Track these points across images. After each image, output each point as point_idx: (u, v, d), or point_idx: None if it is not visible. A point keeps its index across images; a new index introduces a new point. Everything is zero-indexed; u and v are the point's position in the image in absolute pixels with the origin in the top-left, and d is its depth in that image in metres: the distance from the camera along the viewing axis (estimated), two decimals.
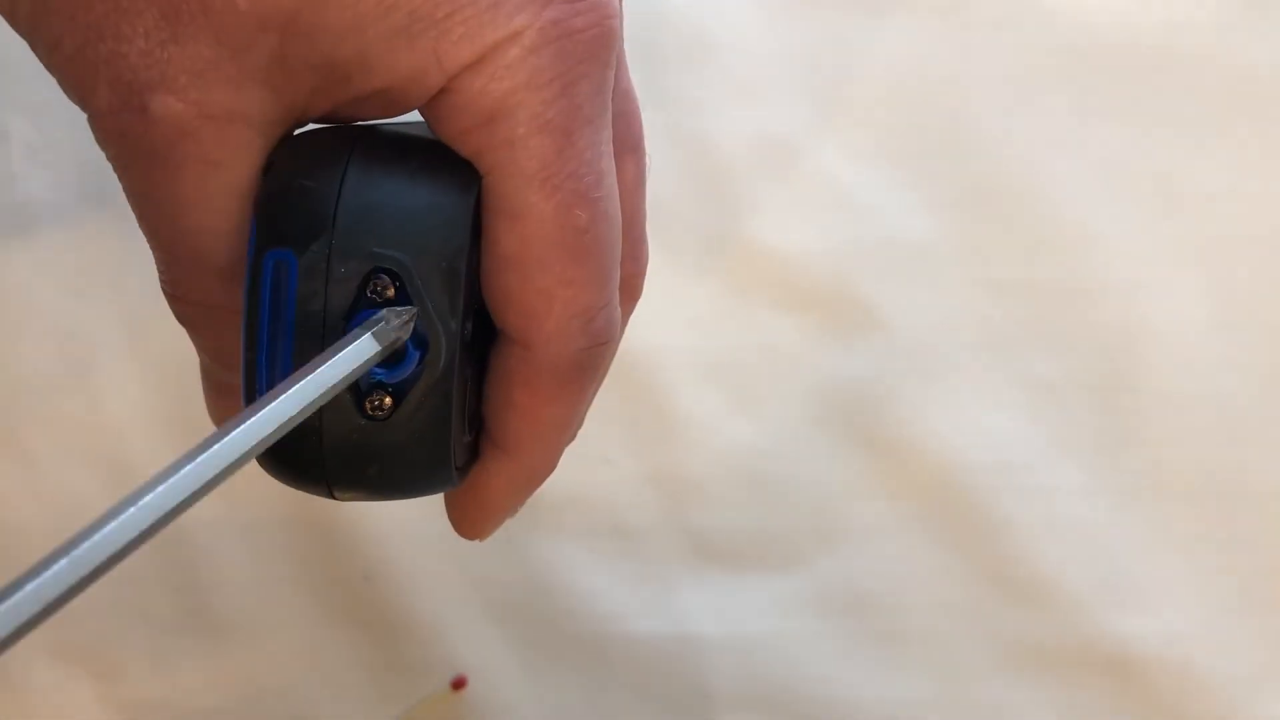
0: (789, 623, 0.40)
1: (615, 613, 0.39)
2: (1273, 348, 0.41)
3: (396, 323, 0.22)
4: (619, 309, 0.25)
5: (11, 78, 0.41)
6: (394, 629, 0.39)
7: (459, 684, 0.39)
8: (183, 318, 0.26)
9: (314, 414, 0.22)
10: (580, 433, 0.40)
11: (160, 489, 0.17)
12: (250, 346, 0.23)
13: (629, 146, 0.26)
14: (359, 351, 0.21)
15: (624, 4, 0.40)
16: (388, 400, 0.23)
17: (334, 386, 0.20)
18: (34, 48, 0.23)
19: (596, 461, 0.40)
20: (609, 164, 0.24)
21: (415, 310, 0.22)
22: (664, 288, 0.41)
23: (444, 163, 0.23)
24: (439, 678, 0.39)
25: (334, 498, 0.25)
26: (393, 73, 0.22)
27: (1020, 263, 0.41)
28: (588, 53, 0.23)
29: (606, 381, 0.40)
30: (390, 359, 0.23)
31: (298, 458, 0.24)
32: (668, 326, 0.41)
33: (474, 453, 0.27)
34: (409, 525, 0.40)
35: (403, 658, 0.39)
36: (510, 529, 0.40)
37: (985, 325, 0.41)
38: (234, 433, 0.18)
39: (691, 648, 0.39)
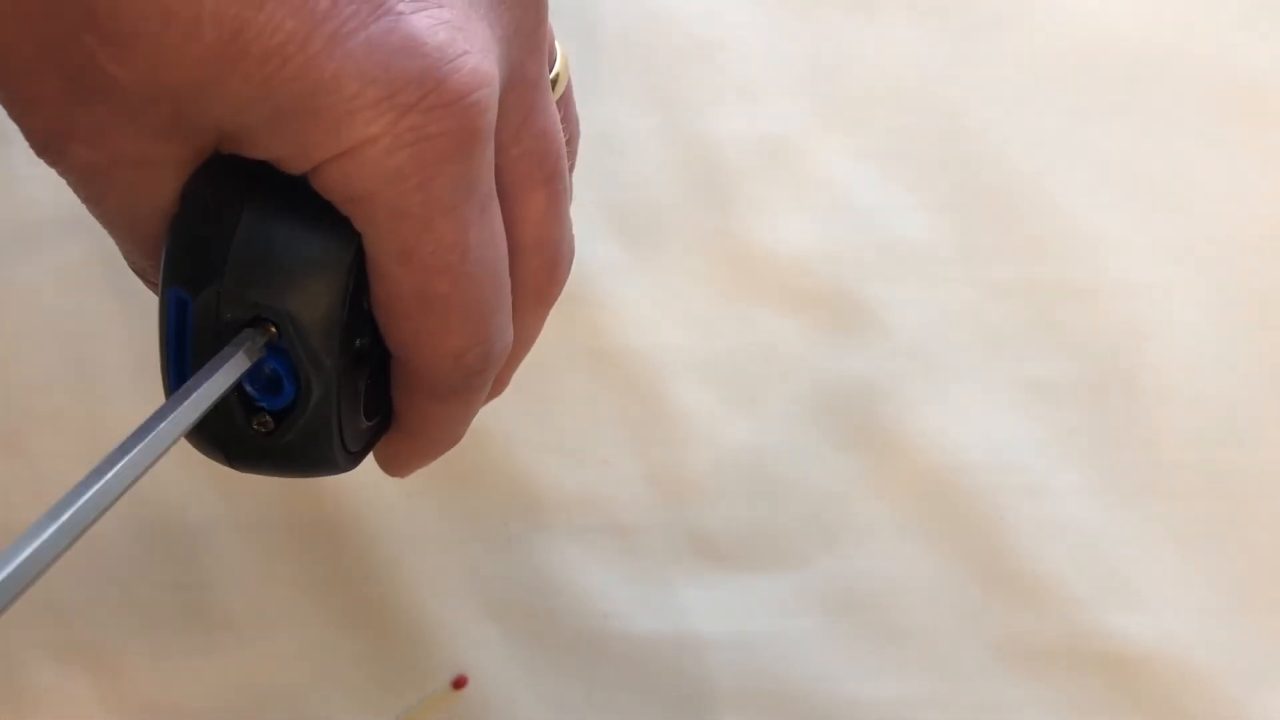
0: (789, 622, 0.40)
1: (615, 612, 0.40)
2: (1273, 348, 0.41)
3: (261, 340, 0.25)
4: (502, 337, 0.28)
5: None
6: (394, 629, 0.39)
7: (459, 683, 0.39)
8: (151, 288, 0.28)
9: (214, 417, 0.25)
10: (580, 432, 0.40)
11: (76, 502, 0.20)
12: (164, 368, 0.26)
13: (539, 181, 0.28)
14: (229, 364, 0.24)
15: (622, 6, 0.39)
16: (269, 419, 0.26)
17: (205, 399, 0.23)
18: None
19: (596, 461, 0.40)
20: (478, 234, 0.26)
21: (273, 329, 0.25)
22: (664, 288, 0.41)
23: (331, 215, 0.25)
24: (439, 677, 0.39)
25: (233, 469, 0.27)
26: (269, 151, 0.24)
27: (1020, 263, 0.41)
28: (446, 154, 0.24)
29: (606, 381, 0.41)
30: (269, 387, 0.26)
31: (202, 438, 0.27)
32: (668, 326, 0.41)
33: (385, 423, 0.29)
34: (409, 525, 0.40)
35: (403, 658, 0.39)
36: (510, 528, 0.40)
37: (984, 325, 0.41)
38: (139, 436, 0.22)
39: (691, 647, 0.39)
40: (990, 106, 0.42)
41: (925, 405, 0.40)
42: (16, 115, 0.25)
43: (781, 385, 0.41)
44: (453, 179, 0.25)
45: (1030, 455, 0.40)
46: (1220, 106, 0.42)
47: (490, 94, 0.25)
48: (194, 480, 0.39)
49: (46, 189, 0.41)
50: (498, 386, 0.32)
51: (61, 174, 0.26)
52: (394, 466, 0.31)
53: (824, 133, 0.42)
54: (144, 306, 0.41)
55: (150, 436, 0.22)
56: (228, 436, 0.26)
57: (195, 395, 0.23)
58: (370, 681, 0.39)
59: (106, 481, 0.21)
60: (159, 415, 0.22)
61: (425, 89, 0.24)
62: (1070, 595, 0.39)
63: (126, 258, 0.28)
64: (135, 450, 0.21)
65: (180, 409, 0.23)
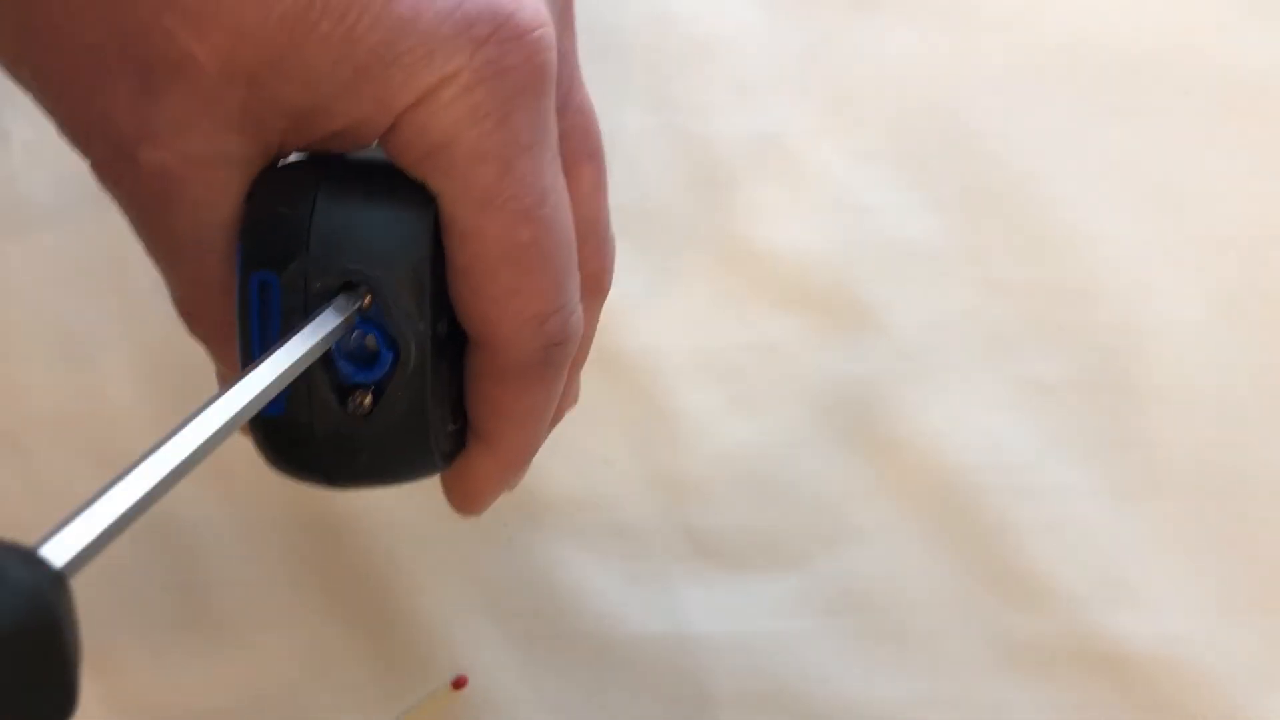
0: (788, 622, 0.40)
1: (615, 613, 0.40)
2: (1272, 348, 0.41)
3: (355, 304, 0.25)
4: (578, 309, 0.28)
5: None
6: (394, 629, 0.39)
7: (459, 683, 0.39)
8: (196, 334, 0.28)
9: (307, 413, 0.25)
10: (580, 433, 0.40)
11: (163, 449, 0.20)
12: (246, 357, 0.26)
13: (585, 155, 0.29)
14: (323, 323, 0.24)
15: (622, 6, 0.39)
16: (367, 399, 0.26)
17: (305, 354, 0.23)
18: (40, 104, 0.25)
19: (596, 461, 0.40)
20: (553, 181, 0.26)
21: (367, 291, 0.25)
22: (664, 288, 0.41)
23: (403, 185, 0.26)
24: (439, 677, 0.39)
25: (333, 487, 0.27)
26: (348, 116, 0.25)
27: (1020, 263, 0.41)
28: (522, 87, 0.25)
29: (606, 381, 0.41)
30: (366, 360, 0.26)
31: (296, 452, 0.26)
32: (668, 326, 0.41)
33: (461, 439, 0.29)
34: (409, 525, 0.40)
35: (403, 658, 0.39)
36: (510, 529, 0.40)
37: (985, 325, 0.41)
38: (228, 393, 0.21)
39: (691, 647, 0.39)
40: (990, 106, 0.42)
41: (925, 405, 0.40)
42: (84, 130, 0.25)
43: (781, 385, 0.41)
44: (529, 115, 0.25)
45: (1030, 455, 0.40)
46: (1220, 106, 0.42)
47: (552, 33, 0.25)
48: (194, 480, 0.39)
49: (46, 189, 0.41)
50: (568, 392, 0.32)
51: (124, 193, 0.26)
52: (471, 490, 0.30)
53: (824, 132, 0.42)
54: (144, 307, 0.41)
55: (246, 381, 0.21)
56: (325, 439, 0.26)
57: (290, 345, 0.23)
58: (370, 681, 0.39)
59: (207, 422, 0.20)
60: (254, 367, 0.22)
61: (498, 21, 0.24)
62: (1070, 595, 0.39)
63: (178, 295, 0.28)
64: (231, 394, 0.21)
65: (276, 356, 0.22)
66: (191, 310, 0.28)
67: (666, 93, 0.42)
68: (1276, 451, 0.40)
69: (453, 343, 0.27)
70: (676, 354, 0.41)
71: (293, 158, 0.27)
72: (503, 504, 0.40)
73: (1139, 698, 0.39)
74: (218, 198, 0.25)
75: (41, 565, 0.18)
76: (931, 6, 0.42)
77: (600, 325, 0.41)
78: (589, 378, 0.41)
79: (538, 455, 0.40)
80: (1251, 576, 0.40)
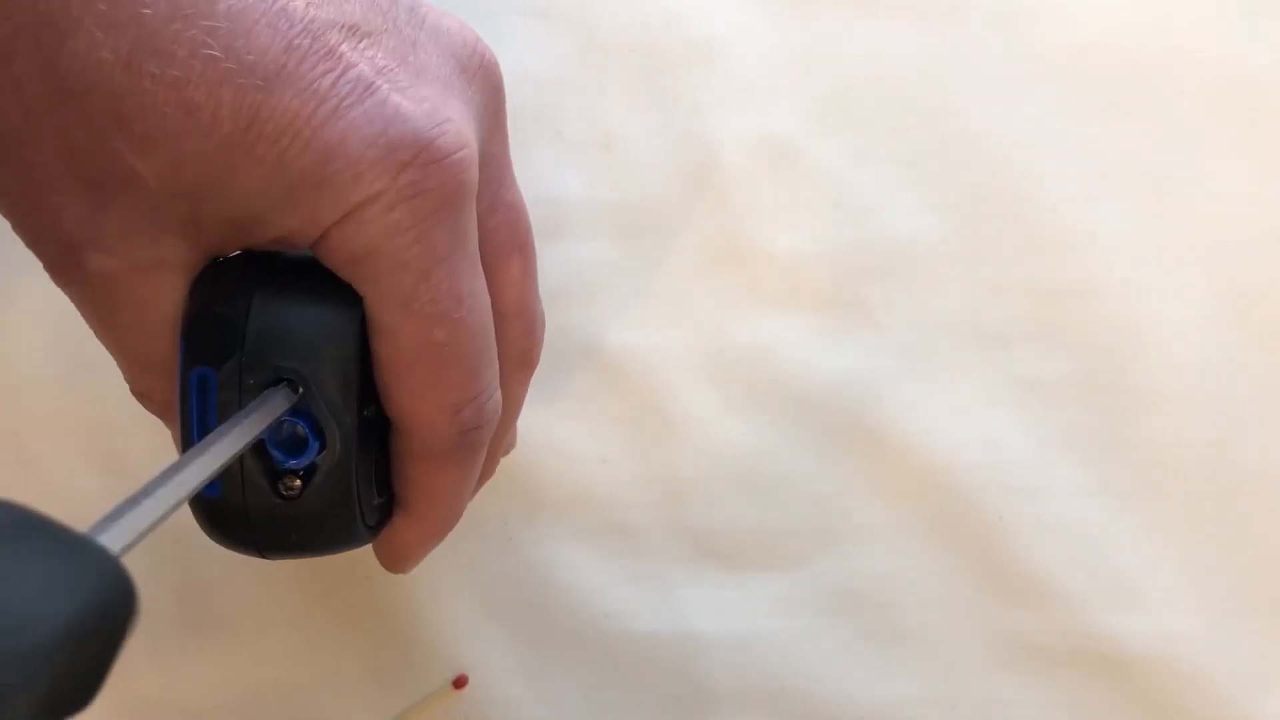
0: (788, 621, 0.40)
1: (615, 612, 0.40)
2: (1272, 348, 0.41)
3: (288, 397, 0.27)
4: (495, 394, 0.30)
5: None
6: (394, 629, 0.39)
7: (460, 683, 0.39)
8: (150, 410, 0.30)
9: (240, 496, 0.28)
10: (579, 433, 0.40)
11: (115, 525, 0.21)
12: (185, 444, 0.28)
13: (515, 248, 0.31)
14: (256, 416, 0.26)
15: (622, 6, 0.39)
16: (297, 482, 0.28)
17: (237, 444, 0.25)
18: None
19: (596, 462, 0.40)
20: (470, 285, 0.28)
21: (298, 385, 0.27)
22: (664, 288, 0.41)
23: (332, 286, 0.28)
24: (440, 676, 0.39)
25: (266, 559, 0.29)
26: (281, 227, 0.27)
27: (1018, 263, 0.41)
28: (440, 205, 0.27)
29: (605, 381, 0.41)
30: (296, 447, 0.28)
31: (232, 529, 0.29)
32: (667, 326, 0.41)
33: (389, 509, 0.31)
34: None
35: (403, 657, 0.39)
36: (510, 529, 0.40)
37: (983, 325, 0.41)
38: (159, 486, 0.22)
39: (691, 646, 0.39)
40: (990, 106, 0.42)
41: (924, 405, 0.40)
42: (35, 235, 0.27)
43: (780, 385, 0.41)
44: (446, 230, 0.27)
45: (1029, 455, 0.40)
46: (1220, 106, 0.42)
47: (473, 154, 0.27)
48: None
49: None
50: (489, 465, 0.34)
51: (75, 292, 0.27)
52: (399, 554, 0.33)
53: (824, 133, 0.42)
54: None
55: (189, 468, 0.23)
56: (258, 519, 0.28)
57: (231, 434, 0.25)
58: (370, 681, 0.39)
59: (148, 502, 0.22)
60: (189, 456, 0.24)
61: (419, 147, 0.26)
62: (1069, 595, 0.39)
63: (130, 378, 0.29)
64: (185, 470, 0.23)
65: (210, 446, 0.24)
66: (143, 392, 0.29)
67: (666, 93, 0.42)
68: (1276, 451, 0.40)
69: (379, 424, 0.29)
70: (675, 354, 0.41)
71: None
72: (503, 504, 0.40)
73: (1138, 698, 0.39)
74: (161, 297, 0.27)
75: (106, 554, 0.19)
76: (931, 6, 0.42)
77: (599, 325, 0.41)
78: (588, 378, 0.41)
79: (538, 455, 0.40)
80: (1251, 576, 0.40)
